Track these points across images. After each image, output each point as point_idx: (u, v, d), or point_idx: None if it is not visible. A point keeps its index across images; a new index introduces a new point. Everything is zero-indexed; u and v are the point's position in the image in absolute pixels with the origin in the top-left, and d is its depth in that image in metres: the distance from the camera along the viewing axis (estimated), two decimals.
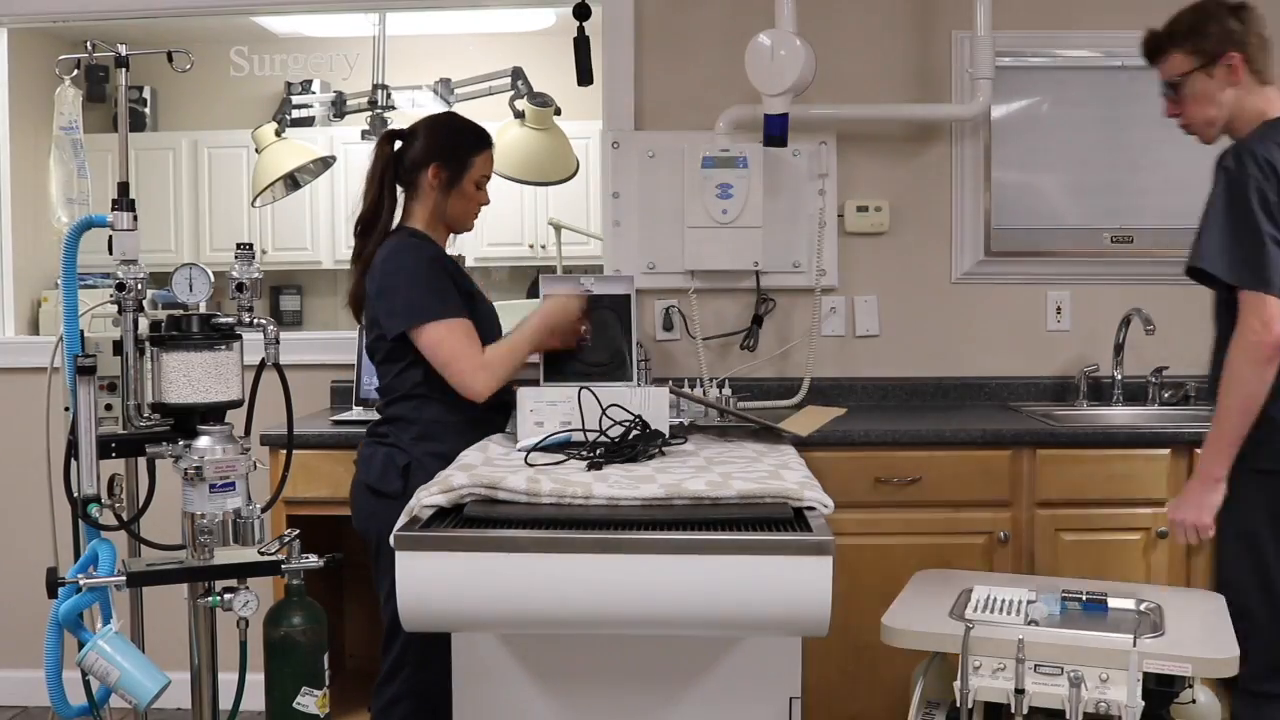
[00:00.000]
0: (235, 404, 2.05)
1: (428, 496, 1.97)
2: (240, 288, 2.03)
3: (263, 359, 2.02)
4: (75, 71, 2.42)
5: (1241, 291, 2.24)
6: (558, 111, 3.70)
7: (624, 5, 3.50)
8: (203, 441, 2.00)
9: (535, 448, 2.26)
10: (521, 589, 1.82)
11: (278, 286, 6.05)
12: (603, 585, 1.81)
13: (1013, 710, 1.91)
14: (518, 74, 3.67)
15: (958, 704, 1.94)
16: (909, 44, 3.51)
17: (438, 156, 2.55)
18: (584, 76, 3.42)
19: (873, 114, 3.44)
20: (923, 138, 3.50)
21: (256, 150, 3.78)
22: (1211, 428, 2.29)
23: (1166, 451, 2.96)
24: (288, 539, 2.05)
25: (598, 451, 2.22)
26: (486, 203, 2.66)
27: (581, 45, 3.40)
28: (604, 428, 2.34)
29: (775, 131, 3.14)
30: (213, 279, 2.07)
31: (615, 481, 2.02)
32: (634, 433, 2.32)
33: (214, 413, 2.04)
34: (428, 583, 1.83)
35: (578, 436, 2.33)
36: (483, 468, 2.10)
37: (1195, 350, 3.53)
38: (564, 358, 2.71)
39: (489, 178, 2.64)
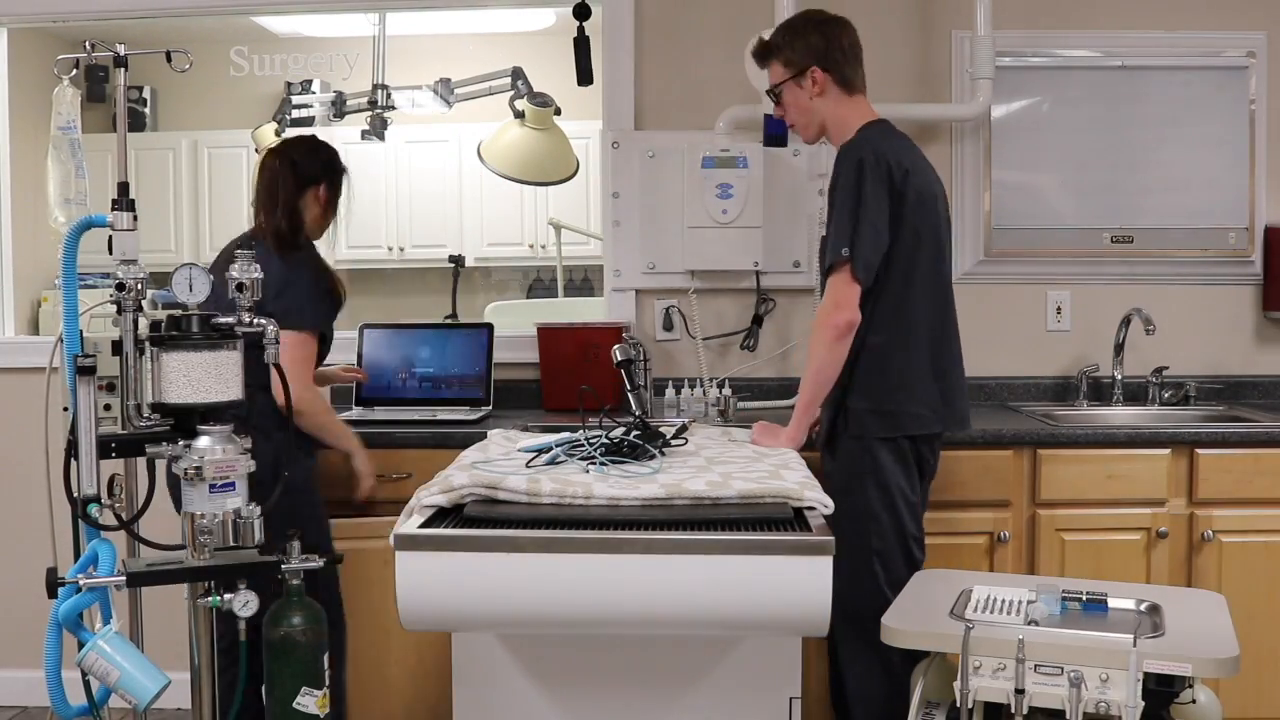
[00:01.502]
0: (235, 404, 2.05)
1: (428, 496, 1.97)
2: (240, 288, 2.03)
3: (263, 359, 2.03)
4: (74, 71, 2.41)
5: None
6: (558, 111, 3.70)
7: (624, 5, 3.50)
8: (202, 441, 1.99)
9: (536, 449, 2.26)
10: (521, 589, 1.82)
11: None
12: (603, 585, 1.81)
13: (1013, 710, 1.90)
14: (518, 74, 3.67)
15: (958, 704, 1.93)
16: (909, 44, 3.51)
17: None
18: (584, 76, 3.42)
19: None
20: (923, 138, 3.49)
21: (256, 150, 3.78)
22: (816, 388, 2.55)
23: (1166, 451, 2.96)
24: (288, 539, 2.05)
25: (598, 451, 2.21)
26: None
27: (581, 45, 3.40)
28: (606, 429, 2.34)
29: (775, 131, 3.14)
30: (212, 279, 2.07)
31: (615, 481, 2.02)
32: (634, 433, 2.32)
33: (214, 413, 2.04)
34: (428, 583, 1.83)
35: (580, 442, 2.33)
36: (482, 468, 2.10)
37: (1195, 350, 3.55)
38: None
39: None
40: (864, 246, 2.47)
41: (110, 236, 2.07)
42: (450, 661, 2.13)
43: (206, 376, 2.00)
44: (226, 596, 2.00)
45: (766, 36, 2.71)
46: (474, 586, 1.83)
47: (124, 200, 2.07)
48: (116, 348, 2.08)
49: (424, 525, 1.90)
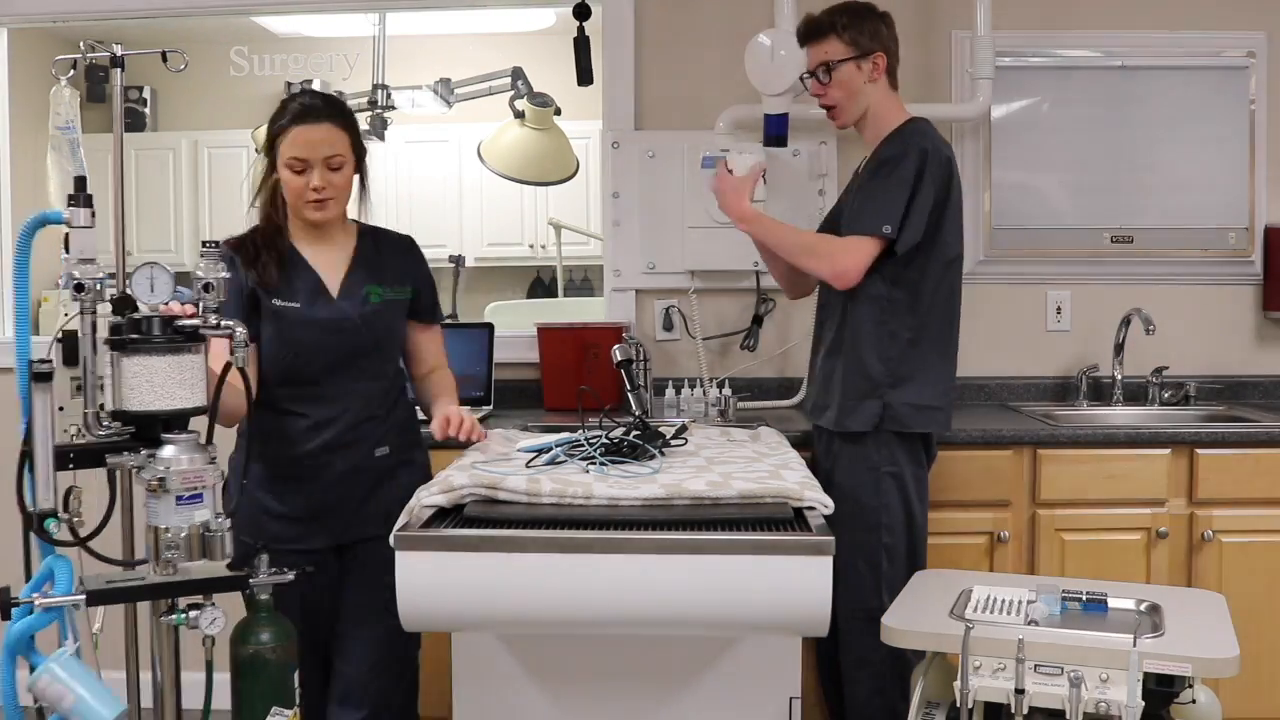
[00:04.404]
0: (201, 410, 1.93)
1: (428, 496, 1.97)
2: (207, 288, 1.90)
3: (228, 362, 1.91)
4: (71, 72, 2.38)
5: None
6: (558, 111, 3.70)
7: (624, 5, 3.50)
8: (168, 451, 1.86)
9: (536, 450, 2.26)
10: (521, 589, 1.82)
11: None
12: (603, 585, 1.81)
13: (1013, 710, 1.90)
14: (518, 74, 3.67)
15: (958, 704, 1.93)
16: (909, 44, 3.48)
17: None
18: (584, 76, 3.42)
19: None
20: None
21: (256, 150, 3.78)
22: (782, 233, 2.71)
23: (1167, 451, 2.96)
24: (256, 552, 1.96)
25: (598, 451, 2.21)
26: (313, 188, 2.33)
27: (581, 45, 3.40)
28: (606, 429, 2.34)
29: (775, 131, 3.13)
30: (174, 278, 1.93)
31: (615, 481, 2.02)
32: (634, 433, 2.32)
33: (177, 420, 1.90)
34: (428, 583, 1.83)
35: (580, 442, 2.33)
36: (482, 467, 2.10)
37: (1195, 350, 3.55)
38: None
39: (303, 160, 2.32)
40: (910, 232, 2.51)
41: (66, 234, 1.93)
42: (450, 659, 2.13)
43: (169, 381, 1.87)
44: (193, 614, 1.89)
45: (812, 14, 2.71)
46: (474, 586, 1.83)
47: (81, 196, 1.93)
48: (71, 353, 1.92)
49: (424, 525, 1.90)
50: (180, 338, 1.89)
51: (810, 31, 2.70)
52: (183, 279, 1.99)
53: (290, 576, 1.97)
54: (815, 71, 2.69)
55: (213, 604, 1.91)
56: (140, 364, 1.87)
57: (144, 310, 1.95)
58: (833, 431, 2.64)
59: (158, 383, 1.87)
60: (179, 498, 1.85)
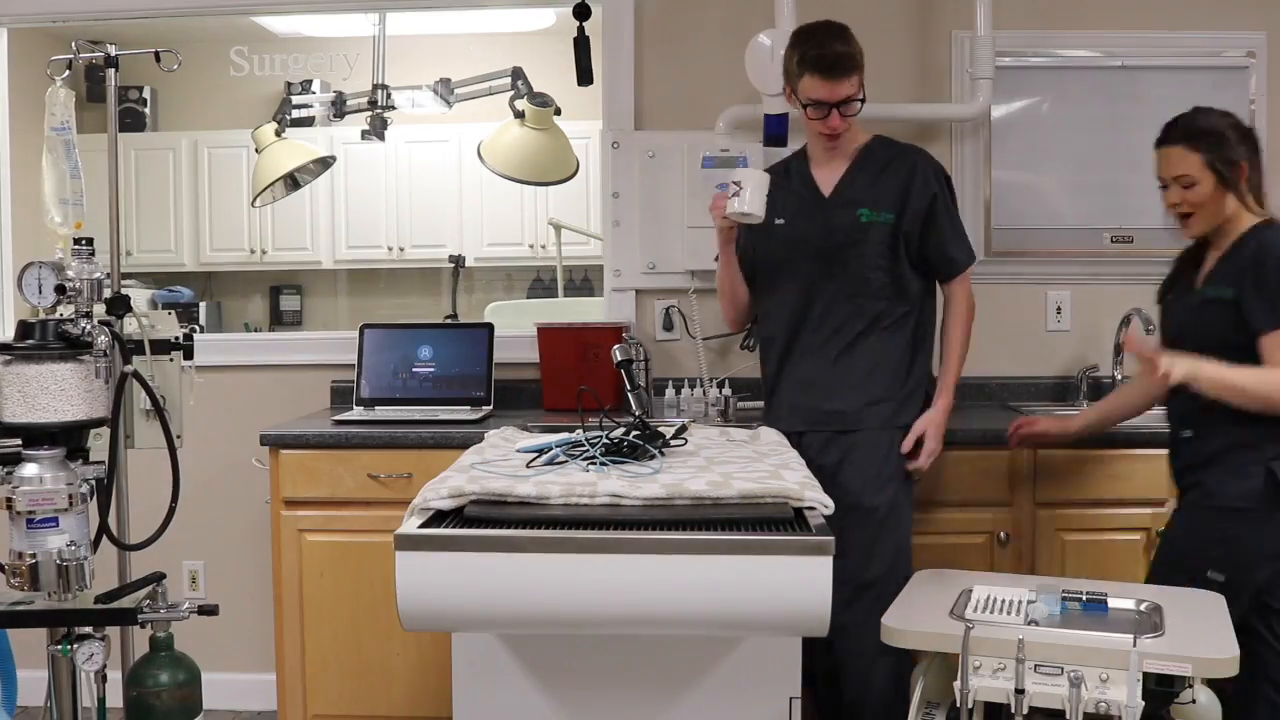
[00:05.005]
0: (90, 424, 1.80)
1: (435, 500, 1.96)
2: (61, 289, 1.78)
3: (108, 367, 1.79)
4: (66, 73, 2.36)
5: None
6: (558, 111, 3.70)
7: (624, 5, 3.51)
8: (29, 469, 1.72)
9: (536, 450, 2.26)
10: (521, 589, 1.82)
11: (277, 286, 6.05)
12: (603, 585, 1.81)
13: (1013, 710, 1.90)
14: (518, 74, 3.67)
15: (958, 704, 1.93)
16: (909, 44, 3.51)
17: None
18: (584, 76, 3.42)
19: (872, 114, 3.41)
20: (923, 137, 3.49)
21: (256, 150, 3.78)
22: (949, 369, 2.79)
23: (1166, 452, 2.95)
24: (156, 580, 1.85)
25: (599, 451, 2.21)
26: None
27: (581, 45, 3.40)
28: (605, 429, 2.34)
29: (775, 131, 3.14)
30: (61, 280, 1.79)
31: (616, 482, 2.02)
32: (634, 433, 2.32)
33: (62, 436, 1.75)
34: (428, 583, 1.83)
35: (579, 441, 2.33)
36: (482, 469, 2.10)
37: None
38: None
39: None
40: None
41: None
42: (450, 659, 2.13)
43: (44, 393, 1.74)
44: (73, 646, 1.76)
45: (839, 47, 2.68)
46: (474, 586, 1.83)
47: None
48: None
49: (424, 525, 1.90)
50: (61, 345, 1.75)
51: (848, 68, 2.67)
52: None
53: (187, 615, 1.82)
54: (837, 105, 2.68)
55: (100, 637, 1.77)
56: (13, 374, 1.73)
57: (41, 314, 1.80)
58: (837, 431, 2.72)
59: (31, 394, 1.73)
60: (29, 520, 1.71)
